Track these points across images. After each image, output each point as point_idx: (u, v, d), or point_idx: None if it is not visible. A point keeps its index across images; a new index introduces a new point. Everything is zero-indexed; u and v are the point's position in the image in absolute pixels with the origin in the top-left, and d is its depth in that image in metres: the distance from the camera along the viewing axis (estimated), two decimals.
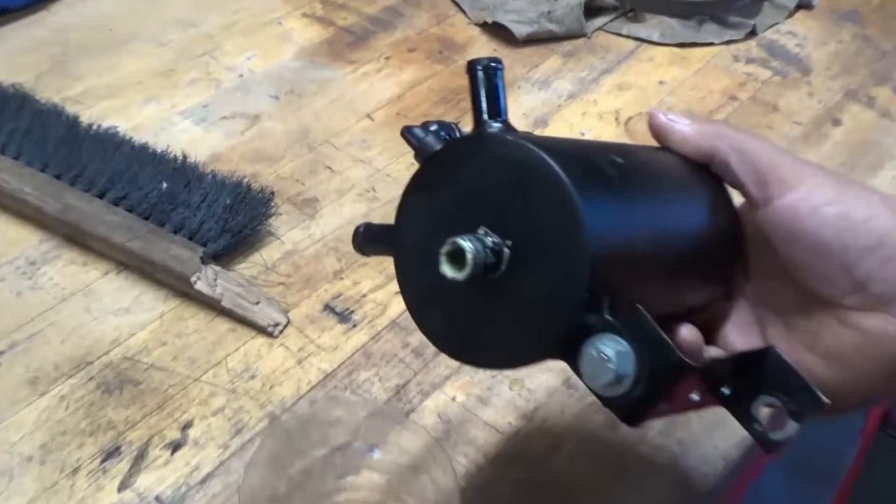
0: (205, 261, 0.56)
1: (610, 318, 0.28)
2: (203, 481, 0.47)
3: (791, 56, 0.83)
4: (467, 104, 0.35)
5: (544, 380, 0.53)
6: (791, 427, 0.31)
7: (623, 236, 0.31)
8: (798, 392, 0.31)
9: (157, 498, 0.46)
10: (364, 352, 0.55)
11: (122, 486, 0.47)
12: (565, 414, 0.51)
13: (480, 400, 0.52)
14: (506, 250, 0.30)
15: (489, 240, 0.30)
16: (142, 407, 0.51)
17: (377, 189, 0.67)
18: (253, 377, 0.53)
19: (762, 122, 0.76)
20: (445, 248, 0.30)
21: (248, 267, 0.60)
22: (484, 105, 0.34)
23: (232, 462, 0.48)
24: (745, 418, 0.32)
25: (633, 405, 0.27)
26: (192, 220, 0.58)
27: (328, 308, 0.58)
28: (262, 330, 0.56)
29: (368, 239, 0.38)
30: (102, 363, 0.53)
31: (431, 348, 0.33)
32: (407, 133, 0.36)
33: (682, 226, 0.35)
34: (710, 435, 0.51)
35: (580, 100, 0.77)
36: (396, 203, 0.34)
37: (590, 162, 0.31)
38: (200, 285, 0.55)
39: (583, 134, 0.74)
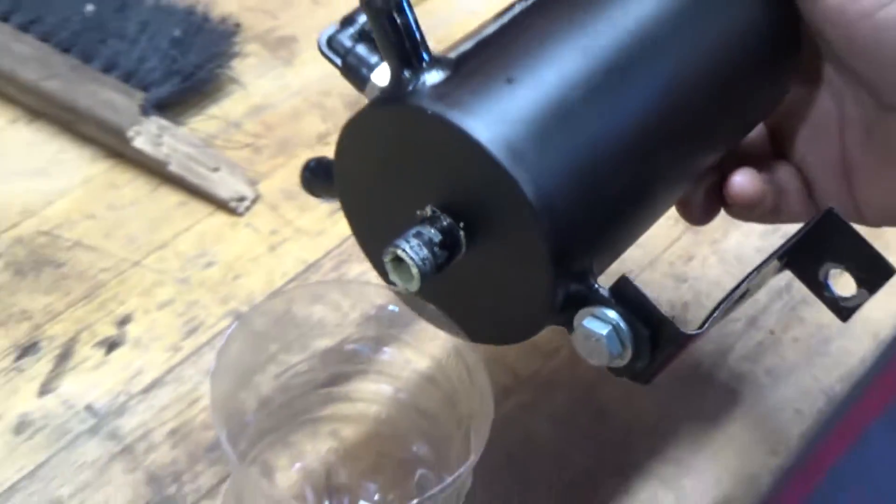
0: (146, 110, 0.50)
1: (596, 287, 0.28)
2: (146, 390, 0.42)
3: None
4: None
5: None
6: (862, 294, 0.32)
7: (596, 178, 0.28)
8: (864, 258, 0.32)
9: (87, 407, 0.41)
10: None
11: (44, 391, 0.41)
12: None
13: None
14: (461, 234, 0.28)
15: (435, 230, 0.28)
16: (66, 294, 0.45)
17: None
18: (210, 265, 0.47)
19: None
20: (387, 256, 0.28)
21: (203, 121, 0.53)
22: (396, 50, 0.29)
23: (185, 368, 0.42)
24: (815, 284, 0.33)
25: (636, 373, 0.28)
26: (129, 55, 0.52)
27: None
28: (222, 205, 0.50)
29: (318, 179, 0.34)
30: (11, 238, 0.47)
31: None
32: (326, 48, 0.32)
33: (684, 74, 0.30)
34: (810, 363, 0.44)
35: None
36: None
37: (525, 93, 0.28)
38: (140, 142, 0.49)
39: None
